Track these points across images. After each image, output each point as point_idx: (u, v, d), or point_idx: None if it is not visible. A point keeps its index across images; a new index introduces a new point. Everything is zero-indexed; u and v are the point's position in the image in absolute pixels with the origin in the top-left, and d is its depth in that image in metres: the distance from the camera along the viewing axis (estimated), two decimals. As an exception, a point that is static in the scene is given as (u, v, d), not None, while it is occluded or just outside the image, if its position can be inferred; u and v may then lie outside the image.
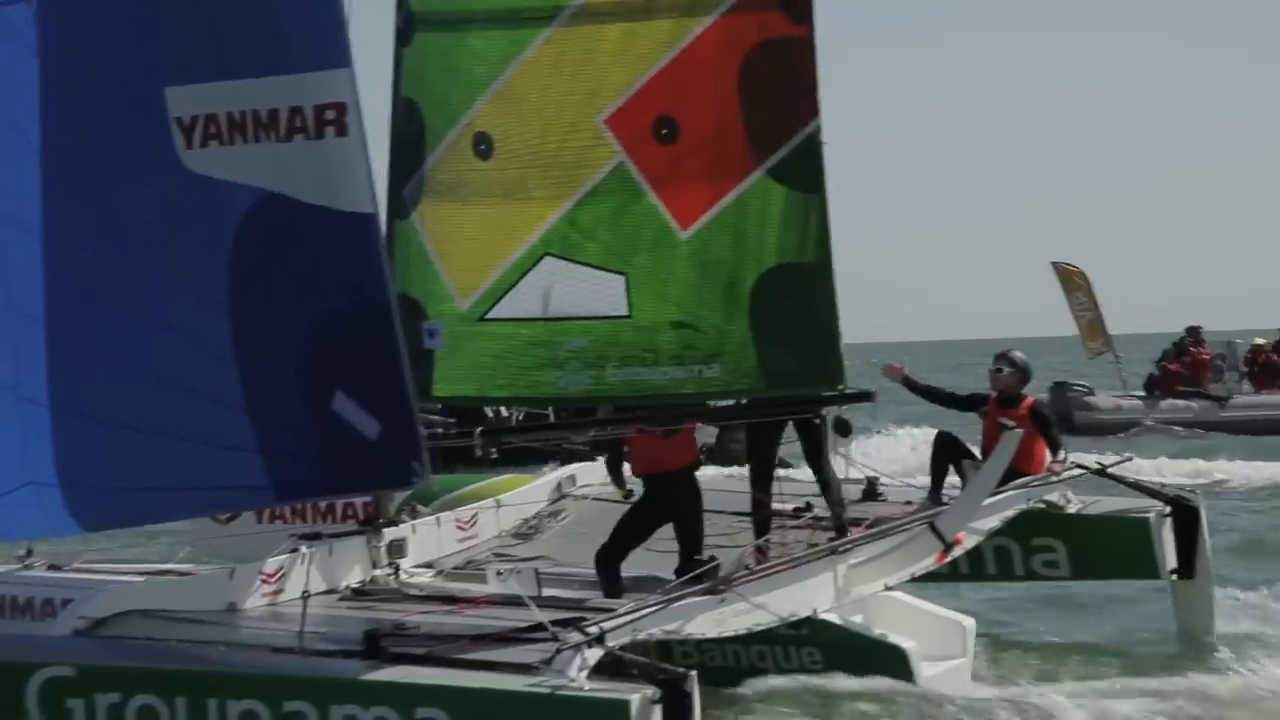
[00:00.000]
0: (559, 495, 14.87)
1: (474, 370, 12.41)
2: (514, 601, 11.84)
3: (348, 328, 10.59)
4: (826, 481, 13.16)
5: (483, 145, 12.15)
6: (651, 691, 9.74)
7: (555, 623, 10.29)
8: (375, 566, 12.90)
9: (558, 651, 9.96)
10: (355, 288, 10.57)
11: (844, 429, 11.98)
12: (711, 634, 11.04)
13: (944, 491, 13.73)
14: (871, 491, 14.28)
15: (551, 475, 15.14)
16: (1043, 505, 13.93)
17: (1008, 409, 14.04)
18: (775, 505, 13.48)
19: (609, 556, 12.28)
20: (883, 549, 12.02)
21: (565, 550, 13.65)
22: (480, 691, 9.89)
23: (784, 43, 11.49)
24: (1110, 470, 14.41)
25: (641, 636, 10.51)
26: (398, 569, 12.98)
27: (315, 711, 10.09)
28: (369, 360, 10.62)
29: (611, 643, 10.09)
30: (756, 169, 11.62)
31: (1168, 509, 14.01)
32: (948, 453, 13.98)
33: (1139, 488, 14.33)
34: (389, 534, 13.22)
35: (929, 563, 12.15)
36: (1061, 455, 14.03)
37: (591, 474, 15.21)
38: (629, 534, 12.35)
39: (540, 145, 11.99)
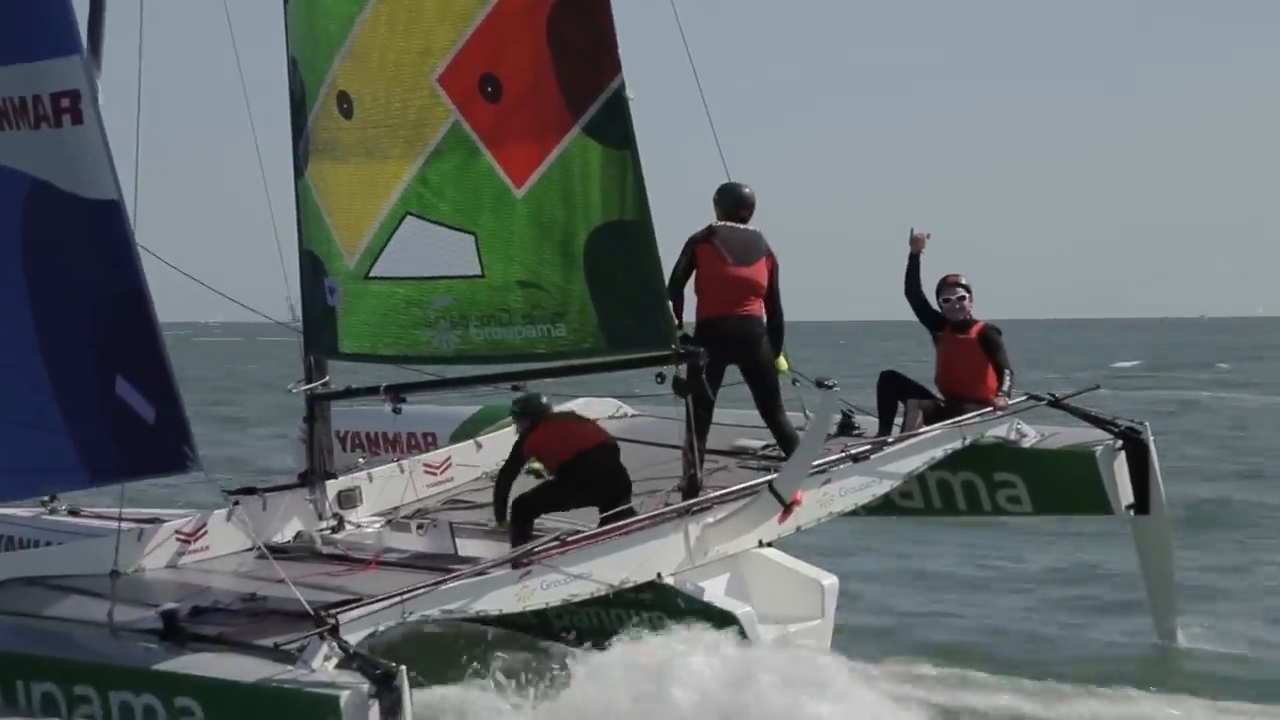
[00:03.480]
0: None
1: (367, 328, 12.41)
2: (412, 564, 11.90)
3: (115, 313, 10.74)
4: (780, 430, 12.81)
5: (345, 104, 12.06)
6: (367, 687, 9.73)
7: (330, 605, 10.34)
8: (320, 518, 13.03)
9: (307, 640, 10.04)
10: (113, 273, 10.70)
11: (682, 388, 11.50)
12: (512, 609, 10.87)
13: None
14: (848, 424, 13.76)
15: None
16: (996, 440, 13.14)
17: (960, 333, 13.44)
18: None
19: (524, 510, 12.12)
20: (729, 511, 11.62)
21: None
22: (222, 684, 10.05)
23: (583, -3, 10.97)
24: (1065, 401, 13.41)
25: (414, 619, 10.46)
26: (341, 521, 13.08)
27: (98, 696, 10.46)
28: (136, 345, 10.77)
29: (359, 631, 10.10)
30: (574, 126, 11.18)
31: (1118, 443, 13.01)
32: (892, 390, 13.38)
33: (1089, 419, 13.25)
34: (337, 484, 13.31)
35: (773, 523, 11.68)
36: (1007, 385, 13.17)
37: (596, 406, 14.97)
38: (550, 501, 12.17)
39: (388, 104, 11.82)
